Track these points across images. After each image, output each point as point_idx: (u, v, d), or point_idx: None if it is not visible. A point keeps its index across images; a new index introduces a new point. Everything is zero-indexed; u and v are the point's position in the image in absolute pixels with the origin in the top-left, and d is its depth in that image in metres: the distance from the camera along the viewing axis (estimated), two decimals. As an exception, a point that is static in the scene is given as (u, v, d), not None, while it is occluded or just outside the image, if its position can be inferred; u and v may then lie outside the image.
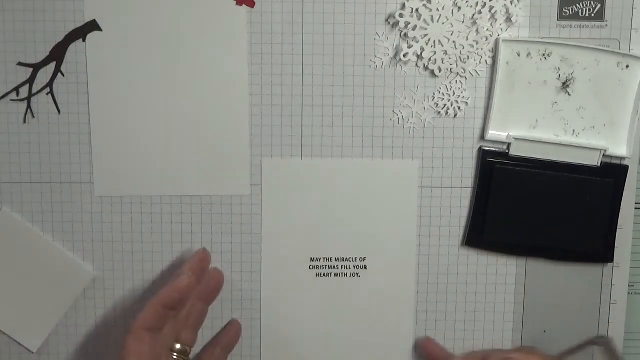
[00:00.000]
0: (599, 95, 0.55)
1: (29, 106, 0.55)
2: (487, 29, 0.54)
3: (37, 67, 0.55)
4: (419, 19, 0.53)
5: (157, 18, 0.54)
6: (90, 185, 0.56)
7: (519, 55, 0.54)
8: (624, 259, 0.57)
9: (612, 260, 0.57)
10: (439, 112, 0.56)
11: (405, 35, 0.54)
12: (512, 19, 0.53)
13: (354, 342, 0.58)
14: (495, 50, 0.54)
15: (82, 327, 0.58)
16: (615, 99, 0.55)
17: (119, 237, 0.57)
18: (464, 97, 0.55)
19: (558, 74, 0.54)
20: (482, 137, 0.56)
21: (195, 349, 0.56)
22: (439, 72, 0.54)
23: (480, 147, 0.56)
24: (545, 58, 0.54)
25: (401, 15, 0.53)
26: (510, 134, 0.55)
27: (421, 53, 0.54)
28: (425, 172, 0.56)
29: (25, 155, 0.56)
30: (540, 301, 0.57)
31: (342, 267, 0.57)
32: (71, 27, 0.54)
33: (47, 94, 0.55)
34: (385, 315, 0.57)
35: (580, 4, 0.54)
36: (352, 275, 0.57)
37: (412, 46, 0.54)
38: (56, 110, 0.55)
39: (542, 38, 0.54)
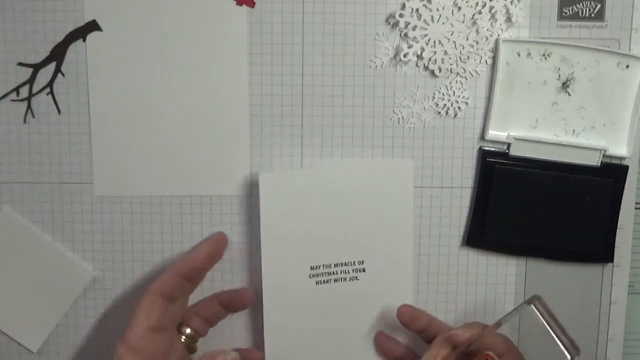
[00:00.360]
0: (598, 95, 0.55)
1: (29, 106, 0.55)
2: (487, 29, 0.54)
3: (37, 67, 0.55)
4: (419, 19, 0.53)
5: (157, 18, 0.54)
6: (90, 185, 0.56)
7: (519, 55, 0.54)
8: (624, 259, 0.57)
9: (612, 260, 0.57)
10: (439, 112, 0.55)
11: (405, 35, 0.54)
12: (512, 19, 0.53)
13: (355, 344, 0.57)
14: (495, 50, 0.54)
15: (82, 327, 0.58)
16: (615, 99, 0.55)
17: (119, 237, 0.57)
18: (464, 97, 0.55)
19: (558, 74, 0.54)
20: (482, 137, 0.56)
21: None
22: (439, 72, 0.54)
23: (480, 147, 0.56)
24: (545, 58, 0.54)
25: (401, 15, 0.53)
26: (510, 134, 0.55)
27: (421, 53, 0.54)
28: (425, 172, 0.56)
29: (25, 155, 0.56)
30: (540, 301, 0.58)
31: (340, 272, 0.56)
32: (71, 27, 0.54)
33: (47, 94, 0.55)
34: (385, 316, 0.57)
35: (580, 4, 0.54)
36: (351, 279, 0.56)
37: (412, 46, 0.54)
38: (56, 110, 0.55)
39: (542, 38, 0.54)
